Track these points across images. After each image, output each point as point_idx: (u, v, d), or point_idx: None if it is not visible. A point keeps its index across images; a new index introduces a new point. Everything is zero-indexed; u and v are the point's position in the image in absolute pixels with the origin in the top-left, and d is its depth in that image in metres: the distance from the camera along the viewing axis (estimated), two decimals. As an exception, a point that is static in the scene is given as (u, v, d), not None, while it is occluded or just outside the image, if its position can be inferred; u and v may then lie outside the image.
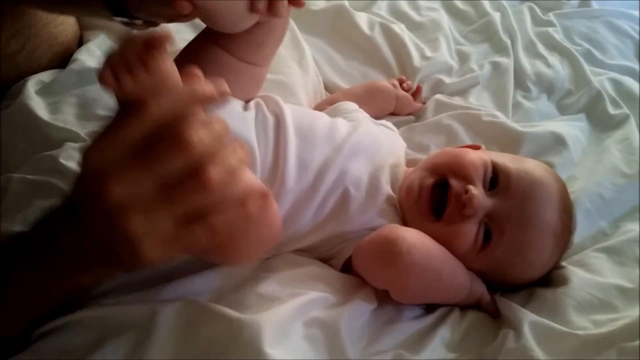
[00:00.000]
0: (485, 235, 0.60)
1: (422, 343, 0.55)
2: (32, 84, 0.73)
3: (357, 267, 0.58)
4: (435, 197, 0.61)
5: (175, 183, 0.35)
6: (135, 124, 0.35)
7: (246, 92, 0.67)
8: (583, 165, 0.81)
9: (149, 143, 0.35)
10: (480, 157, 0.63)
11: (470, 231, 0.59)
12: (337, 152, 0.63)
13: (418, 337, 0.56)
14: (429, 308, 0.61)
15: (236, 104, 0.65)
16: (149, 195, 0.35)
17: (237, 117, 0.62)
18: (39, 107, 0.70)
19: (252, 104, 0.66)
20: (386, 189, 0.63)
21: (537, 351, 0.53)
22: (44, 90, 0.73)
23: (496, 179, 0.62)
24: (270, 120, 0.63)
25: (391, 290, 0.57)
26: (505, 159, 0.64)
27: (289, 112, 0.64)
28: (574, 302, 0.60)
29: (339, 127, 0.66)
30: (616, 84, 0.96)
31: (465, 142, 0.78)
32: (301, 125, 0.63)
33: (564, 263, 0.66)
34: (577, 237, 0.69)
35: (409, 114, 0.87)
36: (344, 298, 0.56)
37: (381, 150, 0.67)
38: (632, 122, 0.87)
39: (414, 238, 0.56)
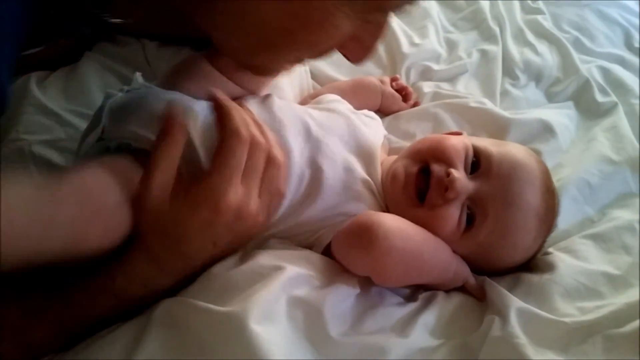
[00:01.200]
0: (469, 218, 0.60)
1: (406, 328, 0.55)
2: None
3: (336, 256, 0.58)
4: (418, 183, 0.61)
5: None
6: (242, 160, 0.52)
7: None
8: (570, 153, 0.81)
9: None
10: (462, 141, 0.63)
11: (453, 214, 0.59)
12: (309, 135, 0.63)
13: (402, 323, 0.55)
14: (413, 294, 0.60)
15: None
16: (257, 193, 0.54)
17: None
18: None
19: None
20: (360, 172, 0.63)
21: (522, 338, 0.53)
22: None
23: (478, 162, 0.62)
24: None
25: (372, 275, 0.56)
26: (486, 143, 0.65)
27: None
28: (561, 288, 0.59)
29: (312, 113, 0.66)
30: (605, 72, 0.95)
31: (451, 129, 0.78)
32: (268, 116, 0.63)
33: (550, 249, 0.66)
34: (564, 223, 0.68)
35: (395, 112, 0.86)
36: (328, 280, 0.56)
37: (356, 135, 0.66)
38: (620, 111, 0.87)
39: (390, 222, 0.55)
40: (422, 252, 0.57)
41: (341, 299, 0.54)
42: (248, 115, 0.56)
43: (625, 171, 0.77)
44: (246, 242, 0.57)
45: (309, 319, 0.52)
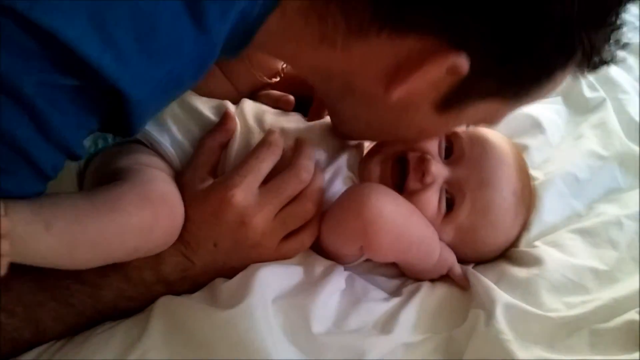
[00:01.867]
0: (448, 203, 0.61)
1: (389, 324, 0.54)
2: None
3: (327, 231, 0.57)
4: (395, 173, 0.61)
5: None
6: (266, 166, 0.55)
7: None
8: (559, 148, 0.81)
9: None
10: None
11: (432, 199, 0.59)
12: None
13: (385, 319, 0.55)
14: (398, 288, 0.60)
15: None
16: (275, 209, 0.54)
17: None
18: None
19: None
20: (344, 170, 0.62)
21: (508, 333, 0.52)
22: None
23: (451, 147, 0.63)
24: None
25: (364, 242, 0.55)
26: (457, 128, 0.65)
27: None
28: (547, 283, 0.59)
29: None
30: (593, 67, 0.95)
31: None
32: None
33: (537, 243, 0.65)
34: (551, 217, 0.68)
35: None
36: (315, 277, 0.56)
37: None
38: (609, 106, 0.86)
39: (381, 188, 0.56)
40: (412, 221, 0.57)
41: (327, 297, 0.54)
42: (307, 148, 0.58)
43: (613, 166, 0.76)
44: (247, 264, 0.55)
45: (293, 317, 0.51)
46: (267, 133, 0.57)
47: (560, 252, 0.63)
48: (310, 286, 0.55)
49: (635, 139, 0.80)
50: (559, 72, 0.47)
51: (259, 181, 0.54)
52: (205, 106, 0.60)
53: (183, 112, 0.59)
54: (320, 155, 0.61)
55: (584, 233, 0.67)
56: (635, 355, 0.51)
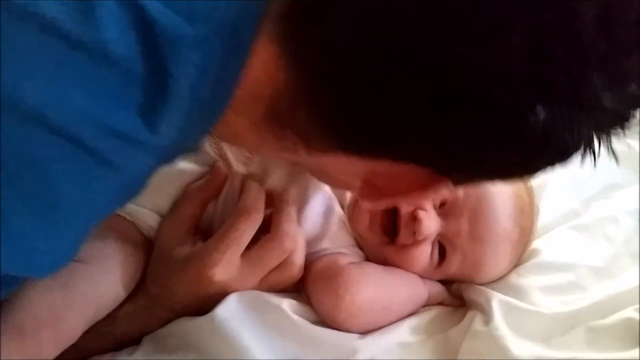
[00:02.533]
0: (440, 252, 0.58)
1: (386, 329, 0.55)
2: None
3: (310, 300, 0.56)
4: (385, 218, 0.58)
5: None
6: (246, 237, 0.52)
7: None
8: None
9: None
10: None
11: (424, 253, 0.57)
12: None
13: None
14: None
15: None
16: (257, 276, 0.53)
17: None
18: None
19: None
20: (338, 211, 0.59)
21: (504, 330, 0.52)
22: None
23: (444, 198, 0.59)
24: None
25: (347, 328, 0.54)
26: None
27: None
28: (541, 284, 0.59)
29: None
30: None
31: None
32: None
33: (535, 241, 0.65)
34: (548, 215, 0.68)
35: None
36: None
37: None
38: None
39: (357, 279, 0.54)
40: (393, 300, 0.56)
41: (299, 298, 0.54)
42: (288, 207, 0.54)
43: (611, 162, 0.75)
44: None
45: (266, 311, 0.52)
46: (245, 196, 0.53)
47: (556, 249, 0.63)
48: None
49: (634, 133, 0.79)
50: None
51: (240, 252, 0.51)
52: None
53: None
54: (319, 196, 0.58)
55: (580, 229, 0.66)
56: (635, 352, 0.50)
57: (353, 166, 0.37)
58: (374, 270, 0.56)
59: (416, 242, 0.56)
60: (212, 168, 0.55)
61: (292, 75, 0.33)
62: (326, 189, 0.58)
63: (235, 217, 0.52)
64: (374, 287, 0.55)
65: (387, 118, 0.32)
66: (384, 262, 0.58)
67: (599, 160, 0.71)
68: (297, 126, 0.35)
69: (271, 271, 0.53)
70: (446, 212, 0.58)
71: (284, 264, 0.53)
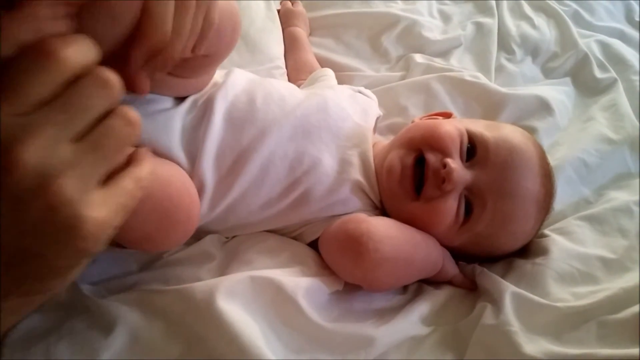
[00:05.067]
0: (466, 208, 0.57)
1: (397, 317, 0.52)
2: None
3: (325, 260, 0.55)
4: (415, 175, 0.57)
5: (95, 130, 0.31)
6: (45, 76, 0.30)
7: (191, 90, 0.58)
8: (567, 131, 0.78)
9: (59, 92, 0.30)
10: (456, 127, 0.59)
11: (451, 207, 0.56)
12: (291, 140, 0.57)
13: (392, 312, 0.53)
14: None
15: (165, 101, 0.56)
16: (71, 151, 0.30)
17: (156, 116, 0.53)
18: None
19: (189, 100, 0.56)
20: (353, 174, 0.58)
21: (515, 325, 0.51)
22: None
23: (473, 149, 0.58)
24: (198, 114, 0.55)
25: (363, 285, 0.53)
26: (480, 127, 0.60)
27: (221, 103, 0.56)
28: (554, 273, 0.57)
29: (303, 104, 0.60)
30: (604, 46, 0.92)
31: (444, 103, 0.75)
32: (236, 115, 0.56)
33: (545, 231, 0.63)
34: (559, 204, 0.66)
35: None
36: (311, 273, 0.54)
37: (349, 130, 0.61)
38: (620, 87, 0.84)
39: (380, 231, 0.52)
40: (413, 258, 0.55)
41: (318, 288, 0.52)
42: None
43: (623, 150, 0.74)
44: (74, 263, 0.33)
45: (280, 302, 0.49)
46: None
47: (568, 240, 0.61)
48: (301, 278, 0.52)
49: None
50: None
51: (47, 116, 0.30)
52: None
53: None
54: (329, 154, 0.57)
55: (593, 220, 0.65)
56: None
57: None
58: (397, 224, 0.55)
59: (443, 195, 0.55)
60: None
61: None
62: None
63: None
64: (397, 239, 0.54)
65: None
66: (408, 221, 0.56)
67: (609, 148, 0.72)
68: None
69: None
70: (476, 164, 0.58)
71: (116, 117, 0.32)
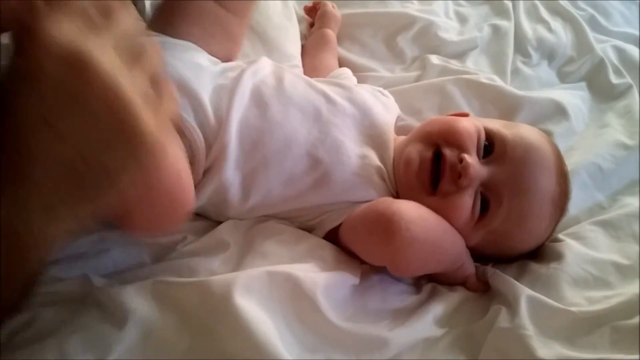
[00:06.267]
0: (482, 205, 0.57)
1: (410, 318, 0.52)
2: None
3: (349, 244, 0.55)
4: (432, 169, 0.58)
5: None
6: None
7: (223, 44, 0.65)
8: (582, 136, 0.78)
9: None
10: (473, 123, 0.60)
11: (467, 202, 0.56)
12: (319, 117, 0.59)
13: (406, 313, 0.53)
14: (415, 284, 0.58)
15: (202, 57, 0.62)
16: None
17: (190, 65, 0.58)
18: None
19: (222, 65, 0.62)
20: (374, 159, 0.59)
21: (530, 329, 0.50)
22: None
23: (491, 146, 0.59)
24: (228, 83, 0.59)
25: (389, 266, 0.53)
26: (497, 125, 0.61)
27: (250, 79, 0.59)
28: (568, 277, 0.57)
29: (327, 92, 0.63)
30: (620, 52, 0.92)
31: (460, 105, 0.75)
32: (264, 91, 0.59)
33: (559, 235, 0.63)
34: (574, 209, 0.66)
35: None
36: (328, 267, 0.53)
37: (371, 118, 0.63)
38: (635, 93, 0.84)
39: (411, 212, 0.53)
40: (442, 243, 0.55)
41: (335, 284, 0.52)
42: None
43: (638, 156, 0.74)
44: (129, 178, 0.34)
45: (297, 299, 0.49)
46: None
47: (581, 245, 0.61)
48: (319, 273, 0.52)
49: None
50: None
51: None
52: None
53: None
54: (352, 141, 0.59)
55: (607, 225, 0.65)
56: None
57: None
58: (426, 209, 0.55)
59: (459, 190, 0.56)
60: None
61: None
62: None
63: None
64: (428, 221, 0.54)
65: None
66: None
67: (624, 154, 0.72)
68: None
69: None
70: (493, 160, 0.58)
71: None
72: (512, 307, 0.53)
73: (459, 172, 0.55)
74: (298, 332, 0.48)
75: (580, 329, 0.52)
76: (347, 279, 0.53)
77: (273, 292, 0.48)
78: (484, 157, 0.58)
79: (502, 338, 0.50)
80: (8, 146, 0.31)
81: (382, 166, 0.59)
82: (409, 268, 0.54)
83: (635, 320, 0.52)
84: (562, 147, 0.73)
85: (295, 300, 0.49)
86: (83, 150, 0.31)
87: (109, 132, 0.31)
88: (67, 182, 0.32)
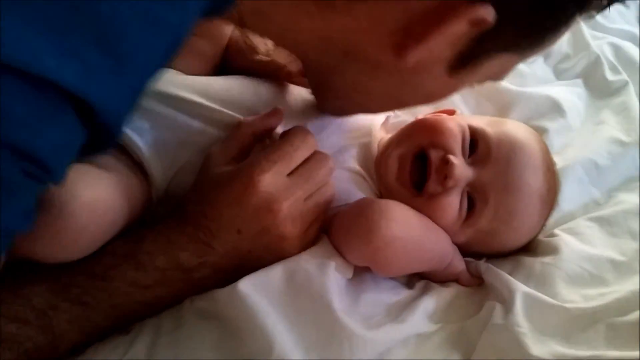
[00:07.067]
0: (469, 205, 0.57)
1: (402, 314, 0.52)
2: None
3: (335, 244, 0.54)
4: (414, 169, 0.57)
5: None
6: (300, 154, 0.51)
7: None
8: (579, 132, 0.78)
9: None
10: (458, 123, 0.59)
11: (453, 203, 0.56)
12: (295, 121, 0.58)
13: (399, 308, 0.53)
14: (409, 281, 0.58)
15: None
16: (287, 181, 0.50)
17: None
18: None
19: None
20: (352, 164, 0.59)
21: (524, 326, 0.50)
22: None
23: (475, 144, 0.58)
24: None
25: (371, 266, 0.53)
26: (482, 123, 0.60)
27: None
28: (564, 274, 0.57)
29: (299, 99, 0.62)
30: (616, 48, 0.92)
31: (455, 102, 0.75)
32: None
33: (556, 230, 0.63)
34: (569, 205, 0.66)
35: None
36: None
37: (355, 120, 0.62)
38: (631, 90, 0.83)
39: (392, 210, 0.52)
40: (424, 242, 0.54)
41: (335, 274, 0.52)
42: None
43: (634, 153, 0.74)
44: (273, 255, 0.51)
45: (310, 286, 0.50)
46: (300, 127, 0.54)
47: (577, 240, 0.61)
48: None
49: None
50: (575, 19, 0.42)
51: (290, 168, 0.50)
52: (183, 90, 0.55)
53: (158, 104, 0.53)
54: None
55: (602, 221, 0.65)
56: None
57: (391, 13, 0.39)
58: (406, 207, 0.54)
59: (445, 191, 0.55)
60: (273, 109, 0.56)
61: None
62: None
63: (292, 134, 0.52)
64: (409, 218, 0.54)
65: None
66: None
67: (620, 150, 0.72)
68: None
69: (314, 192, 0.52)
70: (478, 160, 0.57)
71: (325, 185, 0.53)
72: (506, 303, 0.52)
73: (445, 173, 0.55)
74: (298, 323, 0.48)
75: (575, 325, 0.52)
76: (343, 271, 0.53)
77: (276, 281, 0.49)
78: (469, 156, 0.58)
79: (496, 335, 0.50)
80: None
81: (359, 169, 0.59)
82: (391, 267, 0.54)
83: (630, 317, 0.52)
84: (557, 143, 0.73)
85: (297, 293, 0.49)
86: (251, 248, 0.50)
87: (269, 249, 0.51)
88: (238, 261, 0.50)
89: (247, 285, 0.48)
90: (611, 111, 0.80)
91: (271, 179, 0.49)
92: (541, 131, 0.72)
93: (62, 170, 0.34)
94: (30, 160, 0.30)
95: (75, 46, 0.29)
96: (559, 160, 0.70)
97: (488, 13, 0.37)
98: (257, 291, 0.48)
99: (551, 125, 0.75)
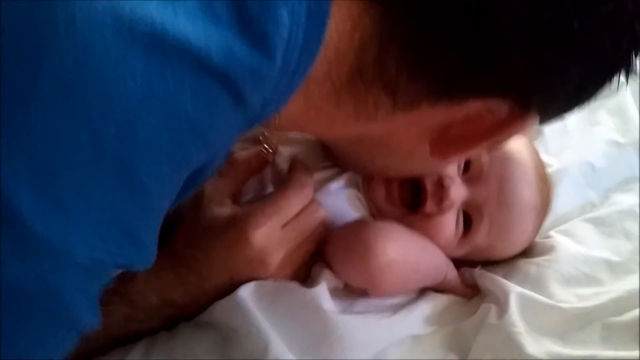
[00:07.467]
0: (465, 222, 0.57)
1: (398, 314, 0.53)
2: None
3: (329, 266, 0.54)
4: (405, 192, 0.57)
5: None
6: (295, 209, 0.51)
7: None
8: (574, 134, 0.78)
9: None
10: None
11: (449, 222, 0.56)
12: None
13: (394, 310, 0.53)
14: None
15: None
16: (280, 234, 0.50)
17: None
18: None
19: None
20: (347, 185, 0.58)
21: (520, 325, 0.51)
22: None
23: (468, 162, 0.58)
24: None
25: (369, 288, 0.53)
26: None
27: None
28: (558, 276, 0.57)
29: None
30: (612, 48, 0.91)
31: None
32: None
33: (551, 232, 0.64)
34: (565, 207, 0.66)
35: None
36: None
37: None
38: (627, 90, 0.83)
39: (388, 233, 0.52)
40: (419, 263, 0.54)
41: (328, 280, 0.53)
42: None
43: (630, 154, 0.74)
44: None
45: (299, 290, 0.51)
46: (298, 172, 0.53)
47: (572, 241, 0.62)
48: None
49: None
50: None
51: (284, 222, 0.50)
52: None
53: None
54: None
55: (598, 223, 0.65)
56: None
57: (429, 121, 0.39)
58: (402, 228, 0.54)
59: (441, 211, 0.55)
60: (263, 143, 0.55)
61: (379, 13, 0.32)
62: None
63: (287, 187, 0.52)
64: (403, 242, 0.53)
65: (486, 40, 0.32)
66: None
67: (616, 151, 0.72)
68: (386, 77, 0.34)
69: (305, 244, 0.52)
70: (471, 178, 0.57)
71: (313, 233, 0.53)
72: (501, 304, 0.53)
73: (441, 195, 0.54)
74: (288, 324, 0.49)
75: (570, 325, 0.52)
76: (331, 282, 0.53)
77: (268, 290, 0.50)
78: (463, 173, 0.58)
79: (491, 335, 0.51)
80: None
81: (355, 190, 0.58)
82: (388, 290, 0.53)
83: (626, 316, 0.53)
84: (553, 145, 0.74)
85: (291, 299, 0.50)
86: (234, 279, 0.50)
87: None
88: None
89: (244, 291, 0.49)
90: (607, 112, 0.80)
91: (265, 233, 0.49)
92: (537, 133, 0.72)
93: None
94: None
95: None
96: (554, 162, 0.71)
97: (534, 122, 0.39)
98: (251, 295, 0.49)
99: (546, 127, 0.75)
